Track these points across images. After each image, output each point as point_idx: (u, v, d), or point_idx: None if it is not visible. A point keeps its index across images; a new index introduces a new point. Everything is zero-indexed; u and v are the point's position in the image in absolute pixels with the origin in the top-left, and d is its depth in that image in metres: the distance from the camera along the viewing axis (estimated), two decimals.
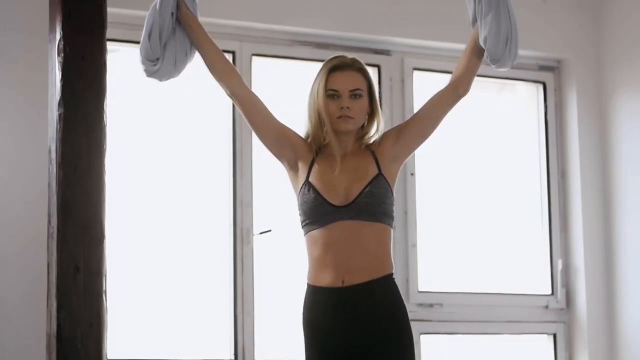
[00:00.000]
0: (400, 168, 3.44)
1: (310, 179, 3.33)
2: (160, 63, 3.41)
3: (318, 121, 3.36)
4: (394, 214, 3.36)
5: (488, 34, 3.39)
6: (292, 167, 3.41)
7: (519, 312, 5.43)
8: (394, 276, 3.35)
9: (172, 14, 3.41)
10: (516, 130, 5.65)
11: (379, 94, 5.27)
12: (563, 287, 5.49)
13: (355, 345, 3.25)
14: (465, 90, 3.46)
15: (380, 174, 3.33)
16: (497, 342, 5.44)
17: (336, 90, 3.32)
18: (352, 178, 3.32)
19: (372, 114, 3.40)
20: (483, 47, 3.41)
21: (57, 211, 3.70)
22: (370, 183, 3.30)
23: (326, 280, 3.29)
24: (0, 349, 4.27)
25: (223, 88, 3.46)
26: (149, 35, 3.41)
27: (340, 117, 3.32)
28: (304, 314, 3.34)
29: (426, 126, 3.43)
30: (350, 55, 3.43)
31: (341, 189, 3.31)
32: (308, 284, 3.36)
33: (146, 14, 3.41)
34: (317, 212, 3.30)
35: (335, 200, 3.29)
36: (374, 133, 3.42)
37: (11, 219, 4.35)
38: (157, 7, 3.41)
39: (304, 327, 3.34)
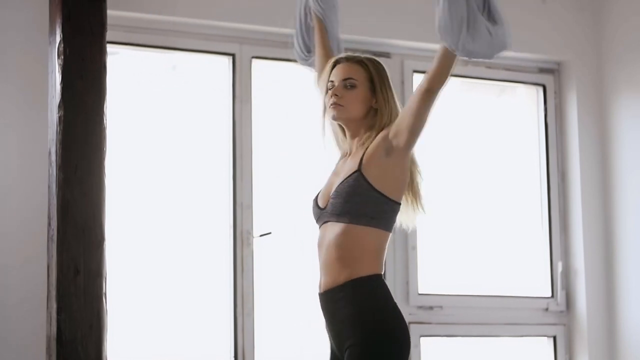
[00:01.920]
0: (406, 161, 3.28)
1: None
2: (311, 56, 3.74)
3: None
4: (376, 212, 3.23)
5: (439, 25, 3.24)
6: None
7: (519, 315, 5.43)
8: (371, 279, 3.21)
9: (307, 14, 3.73)
10: (516, 133, 5.65)
11: None
12: (563, 290, 5.49)
13: (336, 352, 3.29)
14: (433, 82, 3.19)
15: (357, 171, 3.25)
16: (497, 344, 5.44)
17: (332, 81, 3.36)
18: (338, 179, 3.33)
19: (379, 108, 3.35)
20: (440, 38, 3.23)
21: (57, 213, 3.70)
22: (342, 182, 3.26)
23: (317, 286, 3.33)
24: (1, 351, 4.27)
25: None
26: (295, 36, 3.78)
27: (331, 105, 3.33)
28: None
29: (416, 119, 3.20)
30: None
31: (323, 190, 3.37)
32: None
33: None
34: (312, 214, 3.38)
35: (322, 202, 3.34)
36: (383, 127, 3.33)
37: (11, 221, 4.35)
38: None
39: None
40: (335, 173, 3.38)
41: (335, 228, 3.24)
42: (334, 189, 3.28)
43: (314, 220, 3.35)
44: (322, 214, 3.30)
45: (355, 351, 3.14)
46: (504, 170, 5.59)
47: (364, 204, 3.22)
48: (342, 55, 3.44)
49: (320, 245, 3.29)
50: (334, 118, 3.34)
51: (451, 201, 5.43)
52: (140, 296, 4.75)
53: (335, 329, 3.23)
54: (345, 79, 3.33)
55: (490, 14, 3.20)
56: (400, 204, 3.28)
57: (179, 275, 4.83)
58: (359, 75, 3.34)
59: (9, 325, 4.29)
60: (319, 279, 3.28)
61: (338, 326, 3.21)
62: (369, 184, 3.22)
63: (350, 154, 3.36)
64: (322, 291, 3.26)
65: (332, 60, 3.42)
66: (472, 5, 3.16)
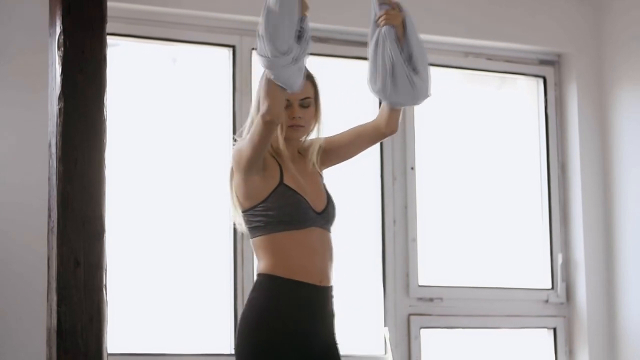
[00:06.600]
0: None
1: (286, 182, 3.37)
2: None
3: None
4: None
5: (368, 81, 3.46)
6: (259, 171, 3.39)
7: (519, 306, 5.43)
8: None
9: None
10: (517, 125, 5.65)
11: None
12: (563, 281, 5.49)
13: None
14: (391, 130, 3.50)
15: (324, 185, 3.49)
16: (497, 336, 5.45)
17: (287, 100, 3.34)
18: (313, 186, 3.42)
19: (318, 121, 3.49)
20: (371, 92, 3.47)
21: (57, 205, 3.69)
22: (327, 194, 3.45)
23: (304, 278, 3.34)
24: (1, 343, 4.27)
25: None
26: None
27: (291, 125, 3.39)
28: (276, 305, 3.33)
29: (347, 153, 3.54)
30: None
31: (309, 195, 3.38)
32: (277, 276, 3.34)
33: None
34: (300, 214, 3.34)
35: (317, 207, 3.39)
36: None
37: (11, 213, 4.35)
38: None
39: (273, 319, 3.31)
40: (298, 174, 3.38)
41: (328, 235, 3.41)
42: (322, 197, 3.41)
43: (299, 220, 3.33)
44: (316, 218, 3.37)
45: None
46: (504, 162, 5.58)
47: None
48: None
49: (313, 245, 3.35)
50: (297, 138, 3.43)
51: (451, 193, 5.43)
52: (141, 288, 4.76)
53: (327, 324, 3.47)
54: (302, 99, 3.39)
55: (411, 62, 3.41)
56: None
57: (179, 267, 4.83)
58: (311, 92, 3.44)
59: (9, 318, 4.29)
60: (308, 275, 3.33)
61: (329, 322, 3.49)
62: None
63: (293, 161, 3.41)
64: (322, 285, 3.36)
65: None
66: (398, 57, 3.39)
